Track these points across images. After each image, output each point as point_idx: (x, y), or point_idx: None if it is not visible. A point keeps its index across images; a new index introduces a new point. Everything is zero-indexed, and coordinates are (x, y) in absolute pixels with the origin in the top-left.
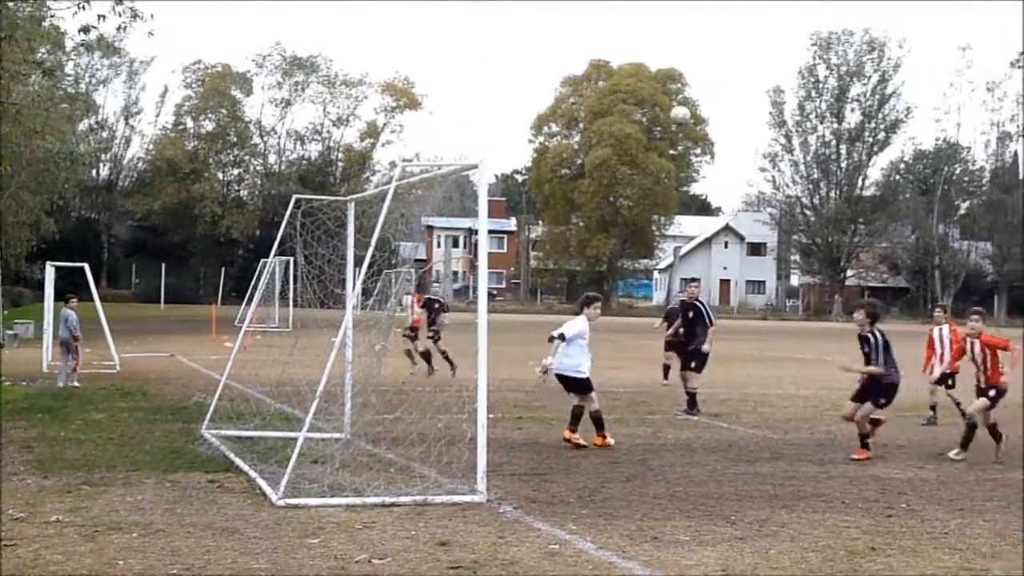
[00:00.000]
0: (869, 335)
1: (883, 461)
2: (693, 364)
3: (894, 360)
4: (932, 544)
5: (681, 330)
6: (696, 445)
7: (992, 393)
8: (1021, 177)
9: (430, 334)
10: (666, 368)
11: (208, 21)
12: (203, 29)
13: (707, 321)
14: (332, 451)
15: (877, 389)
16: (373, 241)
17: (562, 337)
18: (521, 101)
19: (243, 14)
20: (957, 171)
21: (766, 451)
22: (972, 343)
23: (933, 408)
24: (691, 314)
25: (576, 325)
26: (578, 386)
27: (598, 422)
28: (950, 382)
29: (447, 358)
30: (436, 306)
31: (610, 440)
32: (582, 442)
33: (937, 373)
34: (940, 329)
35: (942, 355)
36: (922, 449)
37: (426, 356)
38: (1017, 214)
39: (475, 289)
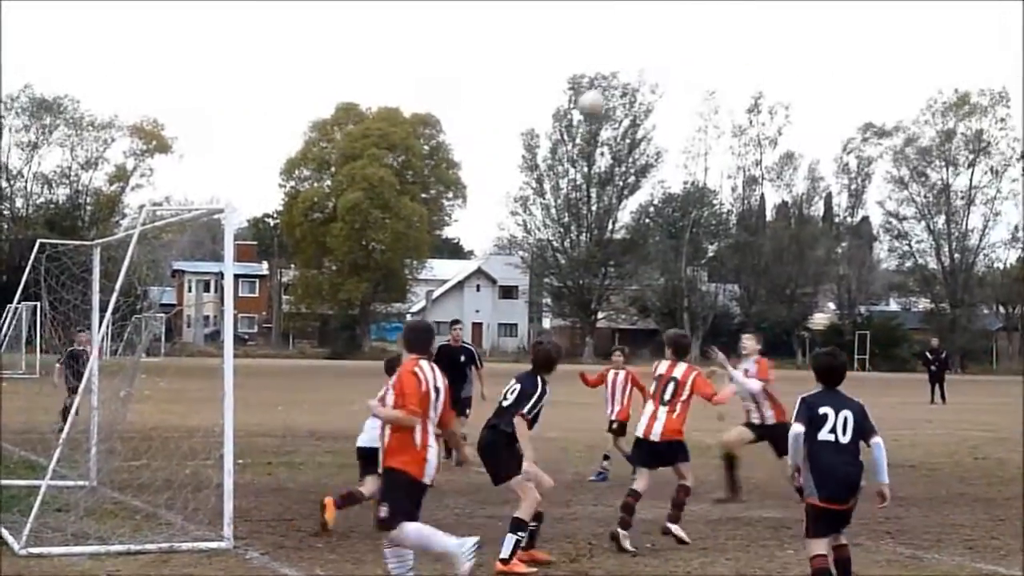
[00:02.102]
0: None
1: None
2: (467, 411)
3: None
4: None
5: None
6: (446, 488)
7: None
8: (767, 219)
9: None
10: None
11: None
12: None
13: (478, 365)
14: (77, 499)
15: None
16: (117, 287)
17: None
18: (273, 144)
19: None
20: (705, 214)
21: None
22: (616, 375)
23: (606, 458)
24: (462, 358)
25: None
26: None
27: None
28: (616, 427)
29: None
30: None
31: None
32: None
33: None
34: (616, 373)
35: (615, 401)
36: (667, 488)
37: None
38: (763, 256)
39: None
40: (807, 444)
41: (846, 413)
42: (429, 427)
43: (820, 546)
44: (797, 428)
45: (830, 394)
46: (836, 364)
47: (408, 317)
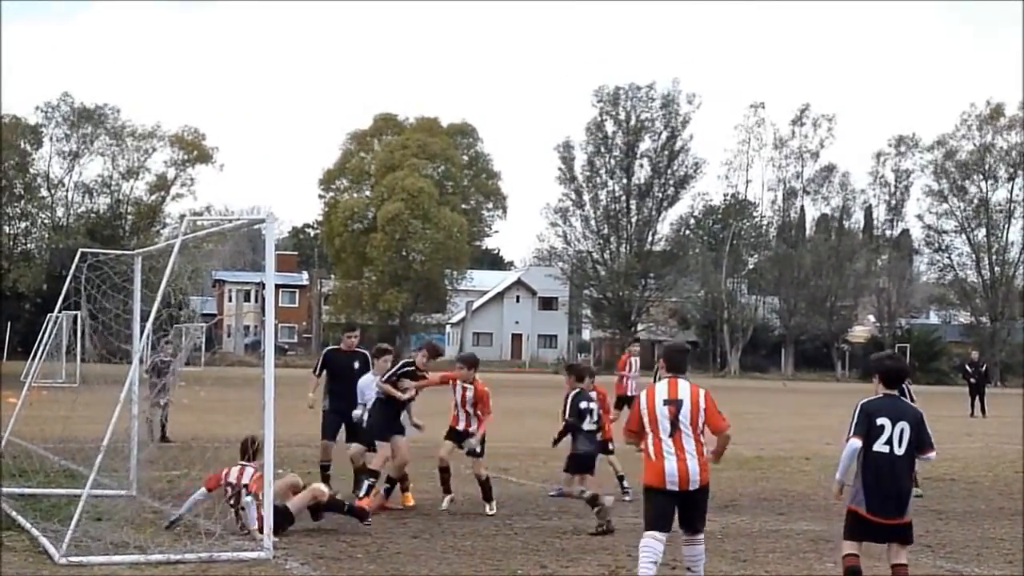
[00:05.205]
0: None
1: None
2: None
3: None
4: None
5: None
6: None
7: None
8: (806, 233)
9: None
10: None
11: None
12: None
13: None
14: (117, 508)
15: None
16: (159, 296)
17: None
18: (314, 154)
19: (32, 62)
20: (745, 226)
21: (553, 504)
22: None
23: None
24: (356, 364)
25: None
26: None
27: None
28: (609, 447)
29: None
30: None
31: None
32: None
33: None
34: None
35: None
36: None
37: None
38: (803, 269)
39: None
40: (861, 453)
41: (903, 424)
42: (662, 438)
43: (853, 546)
44: (855, 443)
45: (890, 401)
46: (901, 367)
47: (448, 328)
